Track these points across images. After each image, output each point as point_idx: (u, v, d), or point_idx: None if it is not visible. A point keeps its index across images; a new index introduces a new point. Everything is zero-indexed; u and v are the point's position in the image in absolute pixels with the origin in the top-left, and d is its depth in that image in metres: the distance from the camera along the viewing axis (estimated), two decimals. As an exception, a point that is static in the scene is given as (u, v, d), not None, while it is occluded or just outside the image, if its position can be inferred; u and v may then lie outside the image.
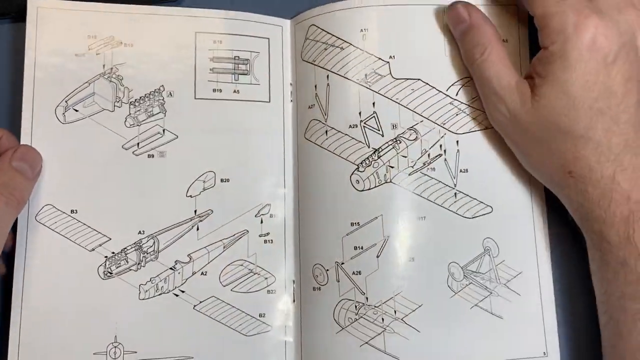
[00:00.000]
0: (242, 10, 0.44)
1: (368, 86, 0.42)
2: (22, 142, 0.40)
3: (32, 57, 0.41)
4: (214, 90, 0.43)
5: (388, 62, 0.42)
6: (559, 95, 0.37)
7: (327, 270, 0.41)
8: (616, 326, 0.37)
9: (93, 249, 0.41)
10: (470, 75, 0.42)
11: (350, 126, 0.42)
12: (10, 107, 0.43)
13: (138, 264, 0.41)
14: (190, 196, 0.42)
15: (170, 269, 0.41)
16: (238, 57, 0.43)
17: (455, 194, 0.42)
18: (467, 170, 0.42)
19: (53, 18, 0.42)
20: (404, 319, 0.40)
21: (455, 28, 0.42)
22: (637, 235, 0.35)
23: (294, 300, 0.42)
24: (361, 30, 0.43)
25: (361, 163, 0.42)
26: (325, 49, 0.43)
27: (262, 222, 0.42)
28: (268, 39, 0.44)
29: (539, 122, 0.38)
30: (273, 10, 0.45)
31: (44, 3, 0.42)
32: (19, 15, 0.43)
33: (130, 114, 0.42)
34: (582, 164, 0.37)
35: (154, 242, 0.41)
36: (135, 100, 0.42)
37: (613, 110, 0.36)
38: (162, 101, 0.42)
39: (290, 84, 0.44)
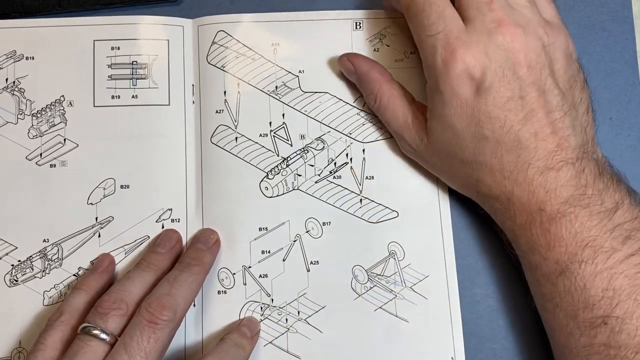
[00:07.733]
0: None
1: (278, 98, 0.44)
2: None
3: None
4: (113, 97, 0.43)
5: (297, 75, 0.44)
6: (444, 128, 0.37)
7: (234, 274, 0.42)
8: (546, 327, 0.38)
9: (0, 258, 0.41)
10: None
11: (260, 135, 0.43)
12: None
13: (43, 271, 0.41)
14: (91, 204, 0.42)
15: (74, 275, 0.41)
16: (136, 61, 0.43)
17: (361, 200, 0.43)
18: (372, 177, 0.43)
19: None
20: (307, 320, 0.41)
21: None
22: (536, 239, 0.36)
23: (194, 305, 0.41)
24: (272, 44, 0.44)
25: (270, 171, 0.43)
26: (237, 57, 0.44)
27: (163, 227, 0.42)
28: (167, 40, 0.44)
29: (436, 153, 0.39)
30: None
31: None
32: None
33: (32, 125, 0.42)
34: (482, 185, 0.38)
35: (58, 249, 0.41)
36: (37, 111, 0.43)
37: (497, 133, 0.36)
38: (62, 111, 0.43)
39: (193, 85, 0.44)
